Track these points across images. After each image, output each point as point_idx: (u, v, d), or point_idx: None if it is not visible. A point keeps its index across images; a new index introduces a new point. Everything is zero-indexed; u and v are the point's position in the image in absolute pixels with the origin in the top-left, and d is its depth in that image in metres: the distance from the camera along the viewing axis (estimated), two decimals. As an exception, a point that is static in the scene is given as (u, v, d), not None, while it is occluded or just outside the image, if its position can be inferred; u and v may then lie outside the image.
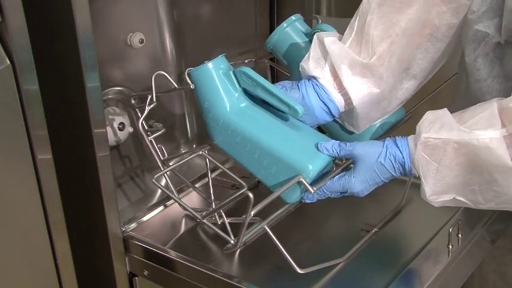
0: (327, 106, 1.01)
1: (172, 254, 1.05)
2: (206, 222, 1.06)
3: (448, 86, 1.74)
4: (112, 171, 1.02)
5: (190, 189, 1.22)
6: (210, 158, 1.05)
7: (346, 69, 0.99)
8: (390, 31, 0.99)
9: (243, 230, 0.96)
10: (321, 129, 1.16)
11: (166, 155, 1.12)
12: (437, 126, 0.88)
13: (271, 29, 1.38)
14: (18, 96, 0.86)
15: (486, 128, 0.85)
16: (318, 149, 0.95)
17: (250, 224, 1.04)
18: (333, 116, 1.03)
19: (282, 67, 1.21)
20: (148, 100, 1.06)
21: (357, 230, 1.09)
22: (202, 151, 1.05)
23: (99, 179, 1.00)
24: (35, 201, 0.93)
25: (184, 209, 1.09)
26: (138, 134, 1.10)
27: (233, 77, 0.99)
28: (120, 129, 1.18)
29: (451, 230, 1.02)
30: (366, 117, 1.03)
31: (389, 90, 1.02)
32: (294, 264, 0.95)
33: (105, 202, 1.02)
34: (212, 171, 1.16)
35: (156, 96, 1.06)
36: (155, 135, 1.11)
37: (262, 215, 0.99)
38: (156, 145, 1.10)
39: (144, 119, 1.08)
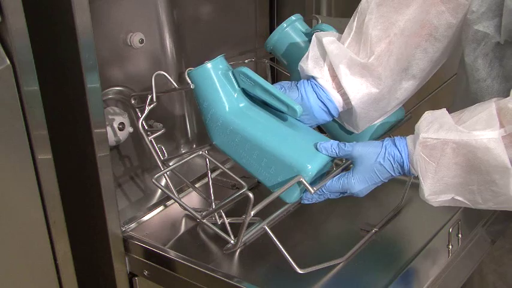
0: (326, 106, 1.01)
1: (172, 254, 1.05)
2: (206, 222, 1.06)
3: (448, 86, 1.74)
4: (112, 171, 1.02)
5: (190, 189, 1.22)
6: (210, 158, 1.05)
7: (345, 69, 0.99)
8: (389, 31, 0.99)
9: (243, 230, 0.96)
10: (321, 129, 1.16)
11: (166, 155, 1.12)
12: (436, 126, 0.88)
13: (271, 29, 1.38)
14: (18, 96, 0.86)
15: (484, 128, 0.85)
16: (316, 148, 0.95)
17: (250, 224, 1.04)
18: (332, 116, 1.03)
19: (282, 67, 1.21)
20: (148, 100, 1.06)
21: (357, 230, 1.09)
22: (202, 151, 1.05)
23: (99, 179, 1.00)
24: (35, 201, 0.93)
25: (184, 209, 1.09)
26: (138, 134, 1.10)
27: (232, 77, 0.99)
28: (120, 129, 1.18)
29: (451, 230, 1.02)
30: (365, 117, 1.03)
31: (388, 90, 1.02)
32: (294, 264, 0.95)
33: (105, 202, 1.02)
34: (212, 171, 1.16)
35: (156, 96, 1.06)
36: (155, 135, 1.11)
37: (262, 215, 0.99)
38: (156, 145, 1.10)
39: (144, 119, 1.08)
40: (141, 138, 1.10)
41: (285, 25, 1.11)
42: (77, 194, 1.06)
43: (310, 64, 1.01)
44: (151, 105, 1.07)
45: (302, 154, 0.95)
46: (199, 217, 1.06)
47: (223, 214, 1.06)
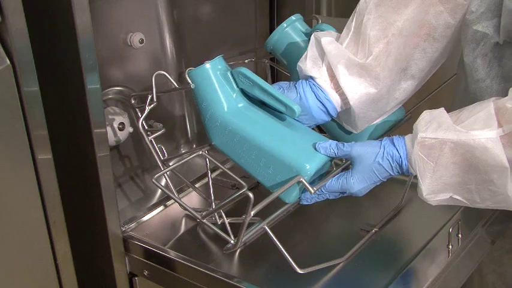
0: (325, 106, 1.01)
1: (172, 254, 1.05)
2: (206, 222, 1.06)
3: (448, 86, 1.74)
4: (112, 171, 1.02)
5: (190, 189, 1.22)
6: (210, 158, 1.05)
7: (343, 69, 0.99)
8: (387, 31, 0.99)
9: (243, 230, 0.96)
10: (321, 129, 1.16)
11: (166, 155, 1.12)
12: (434, 126, 0.88)
13: (271, 29, 1.38)
14: (18, 96, 0.86)
15: (483, 128, 0.85)
16: (315, 148, 0.95)
17: (250, 224, 1.04)
18: (331, 116, 1.03)
19: (282, 67, 1.21)
20: (149, 100, 1.07)
21: (357, 230, 1.09)
22: (202, 151, 1.05)
23: (99, 179, 1.00)
24: (35, 201, 0.93)
25: (184, 209, 1.09)
26: (138, 134, 1.10)
27: (231, 77, 1.00)
28: (120, 129, 1.18)
29: (451, 230, 1.02)
30: (364, 117, 1.03)
31: (386, 90, 1.02)
32: (294, 264, 0.95)
33: (105, 202, 1.02)
34: (212, 171, 1.16)
35: (156, 96, 1.06)
36: (155, 135, 1.11)
37: (262, 215, 0.99)
38: (156, 145, 1.10)
39: (144, 119, 1.08)
40: (141, 138, 1.10)
41: (285, 25, 1.11)
42: (77, 194, 1.06)
43: (309, 64, 1.01)
44: (152, 105, 1.07)
45: (301, 154, 0.95)
46: (199, 217, 1.06)
47: (223, 214, 1.06)
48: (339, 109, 1.02)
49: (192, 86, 1.00)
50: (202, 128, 1.03)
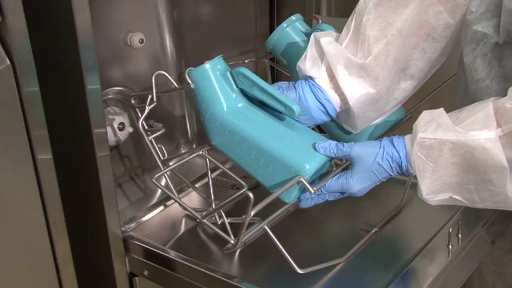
0: (324, 106, 1.01)
1: (172, 254, 1.05)
2: (206, 222, 1.06)
3: (448, 86, 1.74)
4: (112, 171, 1.02)
5: (190, 189, 1.22)
6: (210, 158, 1.05)
7: (342, 70, 0.99)
8: (386, 31, 0.99)
9: (243, 230, 0.96)
10: (321, 129, 1.16)
11: (166, 155, 1.12)
12: (434, 126, 0.88)
13: (271, 29, 1.38)
14: (18, 96, 0.86)
15: (482, 128, 0.85)
16: (315, 148, 0.95)
17: (250, 224, 1.04)
18: (330, 116, 1.03)
19: (282, 67, 1.21)
20: (149, 100, 1.06)
21: (357, 230, 1.09)
22: (202, 151, 1.05)
23: (99, 179, 1.00)
24: (35, 201, 0.93)
25: (184, 209, 1.09)
26: (138, 134, 1.10)
27: (230, 77, 1.00)
28: (120, 129, 1.18)
29: (451, 230, 1.02)
30: (363, 117, 1.03)
31: (385, 90, 1.02)
32: (294, 264, 0.95)
33: (105, 202, 1.02)
34: (212, 171, 1.16)
35: (156, 96, 1.06)
36: (155, 135, 1.11)
37: (262, 215, 0.99)
38: (156, 145, 1.10)
39: (144, 119, 1.08)
40: (141, 138, 1.10)
41: (285, 25, 1.11)
42: (77, 194, 1.06)
43: (308, 64, 1.01)
44: (152, 105, 1.07)
45: (300, 154, 0.95)
46: (199, 217, 1.06)
47: (223, 214, 1.06)
48: (338, 109, 1.02)
49: (192, 86, 1.00)
50: (202, 128, 1.03)
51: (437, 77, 1.14)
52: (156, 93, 1.06)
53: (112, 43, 1.18)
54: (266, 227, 0.96)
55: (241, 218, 0.96)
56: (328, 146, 0.95)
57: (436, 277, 0.97)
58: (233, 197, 0.98)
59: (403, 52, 1.02)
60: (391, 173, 0.93)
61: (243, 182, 0.98)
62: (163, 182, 1.12)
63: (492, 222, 1.10)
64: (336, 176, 0.95)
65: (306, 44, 1.09)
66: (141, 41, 1.20)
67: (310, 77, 1.01)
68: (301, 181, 0.92)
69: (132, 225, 1.13)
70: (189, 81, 1.00)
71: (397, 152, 0.91)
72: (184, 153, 1.30)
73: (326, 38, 1.00)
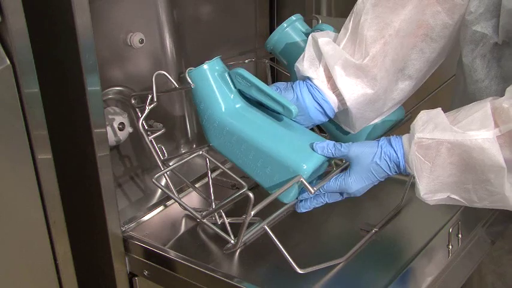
0: (322, 107, 1.01)
1: (172, 254, 1.05)
2: (206, 222, 1.06)
3: (448, 86, 1.74)
4: (112, 171, 1.02)
5: (190, 189, 1.22)
6: (210, 157, 1.05)
7: (340, 70, 0.99)
8: (384, 32, 0.99)
9: (243, 230, 0.96)
10: (321, 129, 1.16)
11: (166, 155, 1.12)
12: (431, 126, 0.88)
13: (271, 29, 1.38)
14: (18, 96, 0.86)
15: (479, 128, 0.85)
16: (312, 149, 0.95)
17: (250, 224, 1.04)
18: (328, 117, 1.03)
19: (282, 67, 1.21)
20: (149, 100, 1.06)
21: (357, 230, 1.09)
22: (202, 151, 1.05)
23: (99, 179, 1.00)
24: (35, 201, 0.93)
25: (184, 209, 1.09)
26: (138, 134, 1.10)
27: (228, 78, 1.00)
28: (120, 129, 1.18)
29: (451, 230, 1.02)
30: (361, 118, 1.03)
31: (383, 90, 1.02)
32: (294, 264, 0.95)
33: (105, 202, 1.02)
34: (212, 171, 1.16)
35: (156, 96, 1.06)
36: (155, 135, 1.11)
37: (262, 215, 0.99)
38: (156, 145, 1.10)
39: (144, 119, 1.08)
40: (141, 138, 1.10)
41: (285, 25, 1.11)
42: (77, 194, 1.06)
43: (306, 65, 1.01)
44: (152, 105, 1.07)
45: (298, 154, 0.95)
46: (199, 217, 1.06)
47: (223, 214, 1.06)
48: (336, 110, 1.02)
49: (193, 85, 1.00)
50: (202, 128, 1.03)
51: (437, 77, 1.14)
52: (156, 93, 1.06)
53: (112, 43, 1.18)
54: (266, 227, 0.96)
55: (241, 218, 0.96)
56: (326, 146, 0.95)
57: (436, 277, 0.97)
58: (233, 197, 0.98)
59: (401, 52, 1.02)
60: (389, 173, 0.93)
61: (243, 182, 0.98)
62: (163, 182, 1.12)
63: (492, 222, 1.10)
64: (334, 177, 0.95)
65: (305, 44, 1.09)
66: (141, 41, 1.20)
67: (308, 78, 1.01)
68: (301, 181, 0.92)
69: (132, 225, 1.13)
70: (189, 80, 1.00)
71: (395, 151, 0.91)
72: (184, 153, 1.30)
73: (324, 39, 1.00)
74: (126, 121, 1.19)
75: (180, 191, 1.21)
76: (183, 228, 1.14)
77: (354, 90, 1.00)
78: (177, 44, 1.29)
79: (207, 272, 0.99)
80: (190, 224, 1.14)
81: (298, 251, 1.03)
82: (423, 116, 0.90)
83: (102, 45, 1.12)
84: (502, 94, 0.89)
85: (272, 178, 0.96)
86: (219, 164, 1.03)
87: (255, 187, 1.12)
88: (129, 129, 1.19)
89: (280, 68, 1.30)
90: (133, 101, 1.15)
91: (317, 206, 0.98)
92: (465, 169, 0.87)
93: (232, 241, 1.04)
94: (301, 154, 0.95)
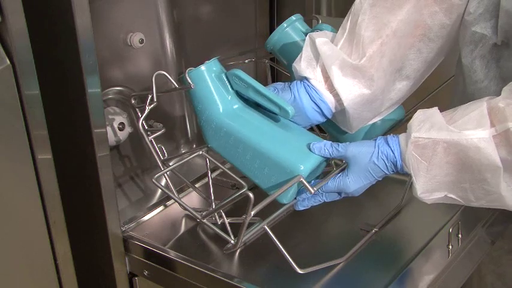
0: (319, 107, 1.01)
1: (172, 254, 1.05)
2: (206, 222, 1.06)
3: (447, 87, 1.74)
4: (112, 171, 1.02)
5: (190, 189, 1.22)
6: (210, 157, 1.05)
7: (337, 70, 0.99)
8: (381, 32, 0.99)
9: (243, 230, 0.96)
10: (321, 129, 1.16)
11: (166, 155, 1.12)
12: (427, 125, 0.88)
13: (271, 29, 1.38)
14: (18, 96, 0.86)
15: (475, 127, 0.85)
16: (309, 149, 0.95)
17: (250, 224, 1.04)
18: (326, 117, 1.03)
19: (282, 67, 1.21)
20: (149, 100, 1.06)
21: (357, 230, 1.09)
22: (202, 151, 1.05)
23: (99, 179, 1.00)
24: (35, 201, 0.93)
25: (184, 209, 1.09)
26: (138, 134, 1.10)
27: (225, 79, 1.00)
28: (120, 129, 1.18)
29: (451, 230, 1.02)
30: (358, 118, 1.03)
31: (381, 91, 1.02)
32: (294, 264, 0.95)
33: (105, 202, 1.02)
34: (212, 171, 1.16)
35: (156, 96, 1.06)
36: (155, 135, 1.11)
37: (262, 215, 0.99)
38: (156, 145, 1.10)
39: (144, 119, 1.08)
40: (141, 138, 1.10)
41: (285, 25, 1.11)
42: (77, 194, 1.06)
43: (303, 65, 1.01)
44: (152, 105, 1.07)
45: (295, 154, 0.95)
46: (199, 217, 1.06)
47: (223, 214, 1.06)
48: (333, 110, 1.02)
49: (192, 86, 1.00)
50: (202, 129, 1.03)
51: (436, 77, 1.14)
52: (156, 93, 1.06)
53: (112, 43, 1.18)
54: (266, 227, 0.96)
55: (241, 218, 0.96)
56: (323, 146, 0.95)
57: (436, 277, 0.97)
58: (233, 197, 0.98)
59: (398, 53, 1.02)
60: (387, 172, 0.93)
61: (243, 182, 0.98)
62: (163, 182, 1.12)
63: (492, 222, 1.10)
64: (332, 177, 0.95)
65: (305, 44, 1.09)
66: (141, 41, 1.20)
67: (306, 78, 1.01)
68: (301, 181, 0.92)
69: (132, 225, 1.13)
70: (189, 81, 1.00)
71: (392, 151, 0.91)
72: (184, 153, 1.30)
73: (321, 39, 1.00)
74: (126, 121, 1.19)
75: (180, 191, 1.21)
76: (183, 228, 1.14)
77: (351, 91, 1.00)
78: (177, 44, 1.29)
79: (207, 272, 0.99)
80: (190, 224, 1.14)
81: (298, 251, 1.03)
82: (420, 115, 0.91)
83: (102, 45, 1.12)
84: (500, 95, 0.89)
85: (270, 179, 0.96)
86: (219, 164, 1.03)
87: (255, 187, 1.12)
88: (129, 129, 1.19)
89: (280, 68, 1.30)
90: (133, 101, 1.15)
91: (315, 204, 0.98)
92: (462, 168, 0.87)
93: (232, 241, 1.04)
94: (299, 155, 0.95)
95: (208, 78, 0.99)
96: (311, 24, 1.19)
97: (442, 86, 1.75)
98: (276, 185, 0.95)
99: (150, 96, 1.06)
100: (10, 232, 0.92)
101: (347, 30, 1.01)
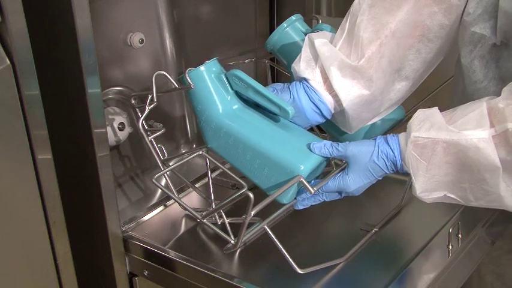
0: (318, 108, 1.01)
1: (172, 254, 1.05)
2: (206, 222, 1.06)
3: (447, 87, 1.74)
4: (112, 171, 1.02)
5: (190, 189, 1.22)
6: (210, 157, 1.05)
7: (336, 71, 0.99)
8: (380, 33, 0.99)
9: (243, 230, 0.96)
10: (321, 129, 1.16)
11: (166, 155, 1.12)
12: (427, 125, 0.88)
13: (271, 29, 1.38)
14: (18, 96, 0.86)
15: (475, 128, 0.85)
16: (309, 149, 0.95)
17: (250, 224, 1.04)
18: (325, 117, 1.03)
19: (282, 67, 1.21)
20: (149, 100, 1.06)
21: (357, 230, 1.09)
22: (202, 151, 1.05)
23: (99, 179, 1.00)
24: (35, 201, 0.93)
25: (184, 209, 1.09)
26: (138, 134, 1.10)
27: (225, 79, 1.00)
28: (120, 129, 1.18)
29: (451, 230, 1.02)
30: (358, 118, 1.03)
31: (380, 91, 1.02)
32: (294, 264, 0.95)
33: (105, 202, 1.02)
34: (212, 171, 1.16)
35: (156, 96, 1.06)
36: (155, 135, 1.11)
37: (262, 215, 0.99)
38: (156, 145, 1.10)
39: (144, 119, 1.08)
40: (141, 138, 1.10)
41: (285, 25, 1.11)
42: (77, 194, 1.06)
43: (302, 66, 1.01)
44: (152, 105, 1.07)
45: (295, 154, 0.95)
46: (199, 217, 1.06)
47: (223, 214, 1.06)
48: (332, 111, 1.02)
49: (192, 86, 1.00)
50: (202, 129, 1.03)
51: (437, 77, 1.14)
52: (156, 93, 1.06)
53: (112, 43, 1.18)
54: (266, 227, 0.96)
55: (241, 218, 0.96)
56: (323, 146, 0.95)
57: (436, 277, 0.97)
58: (233, 197, 0.98)
59: (397, 53, 1.02)
60: (387, 171, 0.93)
61: (243, 182, 0.98)
62: (163, 182, 1.12)
63: (492, 222, 1.10)
64: (332, 177, 0.95)
65: (306, 44, 1.09)
66: (141, 41, 1.20)
67: (305, 79, 1.01)
68: (301, 181, 0.92)
69: (132, 225, 1.13)
70: (189, 81, 1.00)
71: (392, 150, 0.91)
72: (184, 153, 1.30)
73: (320, 40, 1.00)
74: (126, 121, 1.19)
75: (180, 191, 1.21)
76: (183, 228, 1.14)
77: (350, 91, 1.00)
78: (177, 44, 1.29)
79: (207, 272, 0.99)
80: (190, 224, 1.14)
81: (298, 251, 1.03)
82: (419, 115, 0.91)
83: (102, 45, 1.12)
84: (499, 95, 0.89)
85: (270, 179, 0.96)
86: (219, 164, 1.03)
87: (255, 187, 1.12)
88: (129, 129, 1.19)
89: (280, 68, 1.30)
90: (133, 101, 1.15)
91: (315, 203, 0.98)
92: (461, 168, 0.87)
93: (232, 241, 1.04)
94: (299, 155, 0.95)
95: (208, 79, 0.99)
96: (311, 24, 1.19)
97: (442, 86, 1.75)
98: (276, 185, 0.95)
99: (150, 96, 1.06)
100: (10, 232, 0.92)
101: (346, 31, 1.01)
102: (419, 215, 1.13)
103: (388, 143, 0.92)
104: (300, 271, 0.95)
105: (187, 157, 1.08)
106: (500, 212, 1.09)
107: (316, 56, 1.00)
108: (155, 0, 1.24)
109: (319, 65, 1.00)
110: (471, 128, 0.85)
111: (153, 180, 1.01)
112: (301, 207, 0.99)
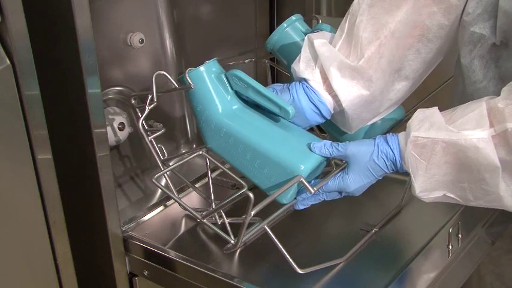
0: (318, 108, 1.01)
1: (172, 254, 1.05)
2: (206, 222, 1.06)
3: (448, 86, 1.74)
4: (112, 171, 1.02)
5: (190, 189, 1.22)
6: (210, 157, 1.05)
7: (335, 72, 0.99)
8: (379, 33, 0.99)
9: (243, 230, 0.96)
10: (321, 129, 1.16)
11: (166, 155, 1.12)
12: (427, 125, 0.88)
13: (271, 29, 1.38)
14: (18, 96, 0.86)
15: (474, 128, 0.85)
16: (309, 149, 0.95)
17: (250, 224, 1.04)
18: (324, 118, 1.03)
19: (282, 67, 1.21)
20: (149, 100, 1.06)
21: (357, 230, 1.09)
22: (202, 151, 1.05)
23: (99, 179, 1.00)
24: (35, 201, 0.93)
25: (184, 209, 1.09)
26: (138, 134, 1.10)
27: (225, 79, 1.00)
28: (120, 129, 1.18)
29: (451, 230, 1.02)
30: (357, 118, 1.03)
31: (379, 92, 1.02)
32: (294, 264, 0.95)
33: (105, 202, 1.02)
34: (212, 171, 1.16)
35: (156, 96, 1.06)
36: (155, 135, 1.11)
37: (262, 215, 0.99)
38: (156, 145, 1.10)
39: (144, 119, 1.08)
40: (141, 138, 1.10)
41: (285, 25, 1.11)
42: (77, 194, 1.06)
43: (302, 66, 1.01)
44: (152, 105, 1.07)
45: (295, 155, 0.95)
46: (199, 217, 1.06)
47: (223, 214, 1.06)
48: (332, 111, 1.02)
49: (192, 85, 1.00)
50: (202, 129, 1.03)
51: (436, 77, 1.14)
52: (156, 93, 1.06)
53: (112, 43, 1.18)
54: (266, 227, 0.96)
55: (241, 218, 0.96)
56: (323, 146, 0.95)
57: (436, 277, 0.97)
58: (233, 197, 0.98)
59: (397, 53, 1.02)
60: (387, 171, 0.93)
61: (243, 182, 0.98)
62: (163, 182, 1.12)
63: (492, 222, 1.10)
64: (332, 177, 0.95)
65: (306, 45, 1.09)
66: (141, 41, 1.20)
67: (304, 79, 1.01)
68: (301, 181, 0.92)
69: (132, 225, 1.13)
70: (189, 81, 1.00)
71: (391, 150, 0.92)
72: (184, 153, 1.30)
73: (320, 40, 1.00)
74: (126, 121, 1.19)
75: (180, 191, 1.21)
76: (183, 228, 1.14)
77: (350, 92, 1.00)
78: (177, 44, 1.29)
79: (207, 272, 0.99)
80: (190, 224, 1.14)
81: (298, 251, 1.03)
82: (419, 114, 0.91)
83: (102, 45, 1.12)
84: (499, 95, 0.89)
85: (270, 179, 0.96)
86: (219, 164, 1.03)
87: (255, 187, 1.12)
88: (129, 129, 1.19)
89: (280, 68, 1.30)
90: (133, 101, 1.15)
91: (315, 203, 0.98)
92: (461, 168, 0.87)
93: (232, 241, 1.04)
94: (299, 155, 0.95)
95: (208, 79, 0.99)
96: (311, 24, 1.19)
97: (442, 86, 1.75)
98: (276, 185, 0.95)
99: (150, 96, 1.06)
100: (10, 232, 0.92)
101: (345, 32, 1.01)
102: (419, 215, 1.13)
103: (387, 143, 0.92)
104: (300, 271, 0.95)
105: (187, 157, 1.08)
106: (500, 212, 1.09)
107: (315, 57, 1.00)
108: (155, 0, 1.24)
109: (319, 66, 1.00)
110: (471, 128, 0.85)
111: (153, 180, 1.01)
112: (301, 207, 0.99)
